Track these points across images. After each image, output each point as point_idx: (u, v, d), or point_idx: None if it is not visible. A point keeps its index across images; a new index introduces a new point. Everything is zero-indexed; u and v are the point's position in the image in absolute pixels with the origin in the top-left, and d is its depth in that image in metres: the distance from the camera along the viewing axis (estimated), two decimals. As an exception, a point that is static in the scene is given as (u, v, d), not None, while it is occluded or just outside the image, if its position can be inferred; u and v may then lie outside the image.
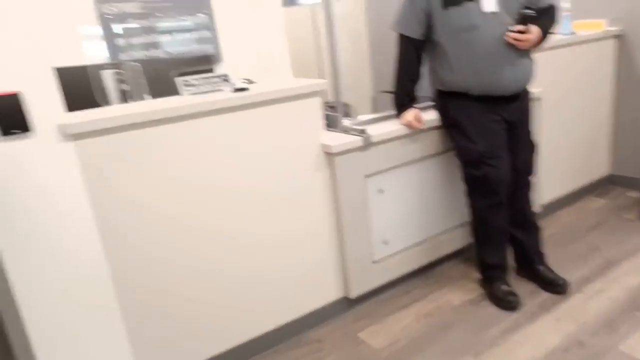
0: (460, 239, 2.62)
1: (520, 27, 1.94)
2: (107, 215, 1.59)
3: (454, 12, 1.99)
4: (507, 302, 2.19)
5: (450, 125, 2.24)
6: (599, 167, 3.37)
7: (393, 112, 2.33)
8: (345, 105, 2.38)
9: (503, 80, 2.03)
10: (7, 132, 1.33)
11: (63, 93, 1.47)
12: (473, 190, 2.22)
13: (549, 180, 2.97)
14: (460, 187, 2.34)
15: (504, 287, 2.24)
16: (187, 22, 3.79)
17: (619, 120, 3.31)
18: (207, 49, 3.92)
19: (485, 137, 2.10)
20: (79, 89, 1.84)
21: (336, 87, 2.21)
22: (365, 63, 5.08)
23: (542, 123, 2.79)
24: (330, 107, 2.22)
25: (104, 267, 1.60)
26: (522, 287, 2.32)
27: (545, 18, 2.05)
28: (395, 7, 2.35)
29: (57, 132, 1.43)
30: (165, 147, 1.66)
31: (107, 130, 1.52)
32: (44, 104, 1.40)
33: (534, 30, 1.98)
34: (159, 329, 1.78)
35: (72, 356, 1.58)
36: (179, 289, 1.80)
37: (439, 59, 2.12)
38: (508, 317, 2.14)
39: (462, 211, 2.53)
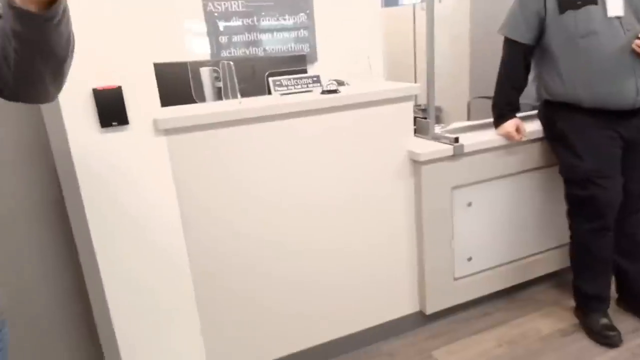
0: (554, 262, 2.41)
1: None
2: (192, 211, 1.64)
3: (572, 16, 1.80)
4: (605, 337, 1.97)
5: (555, 139, 2.04)
6: None
7: (488, 120, 2.19)
8: (437, 109, 2.28)
9: (623, 93, 1.80)
10: (107, 124, 1.42)
11: (162, 87, 1.54)
12: (576, 211, 2.01)
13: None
14: (560, 206, 2.14)
15: (603, 320, 2.02)
16: (287, 21, 3.88)
17: None
18: (304, 48, 3.98)
19: (596, 154, 1.89)
20: (178, 84, 1.93)
21: (430, 91, 2.11)
22: (464, 66, 4.85)
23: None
24: (420, 109, 2.13)
25: (185, 261, 1.66)
26: (623, 322, 2.08)
27: None
28: (502, 10, 2.19)
29: (151, 127, 1.50)
30: (252, 146, 1.68)
31: (197, 127, 1.58)
32: (143, 98, 1.47)
33: None
34: (233, 327, 1.82)
35: (149, 345, 1.66)
36: (255, 289, 1.83)
37: (548, 67, 1.94)
38: (604, 354, 1.93)
39: (559, 232, 2.31)
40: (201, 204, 1.66)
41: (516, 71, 2.00)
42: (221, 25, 3.62)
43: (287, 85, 1.80)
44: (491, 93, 2.18)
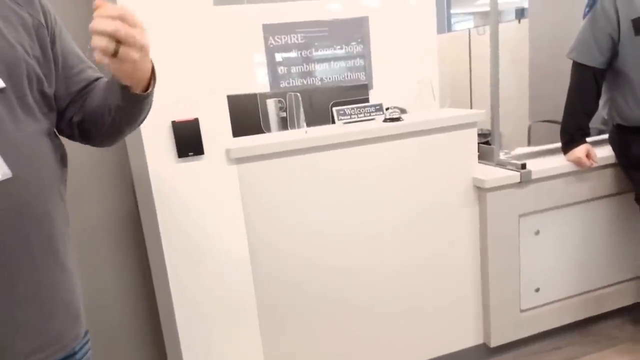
0: (629, 295, 2.27)
1: None
2: (258, 237, 1.69)
3: None
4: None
5: (630, 165, 1.95)
6: None
7: (554, 145, 2.12)
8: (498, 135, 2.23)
9: None
10: (184, 154, 1.51)
11: (233, 118, 1.62)
12: (654, 242, 1.90)
13: None
14: (635, 236, 2.03)
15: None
16: (343, 50, 3.97)
17: None
18: (360, 76, 4.04)
19: None
20: (248, 115, 2.02)
21: (495, 117, 2.09)
22: (524, 91, 4.76)
23: None
24: (480, 135, 2.09)
25: (251, 291, 1.70)
26: None
27: None
28: (561, 34, 2.15)
29: (224, 156, 1.57)
30: (318, 174, 1.72)
31: (264, 156, 1.64)
32: (217, 129, 1.55)
33: None
34: (290, 345, 1.83)
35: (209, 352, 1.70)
36: (319, 318, 1.84)
37: (621, 90, 1.88)
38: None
39: (634, 264, 2.18)
40: (268, 230, 1.71)
41: (587, 96, 1.94)
42: (279, 57, 3.77)
43: (350, 114, 1.84)
44: (552, 117, 2.12)
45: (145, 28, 0.77)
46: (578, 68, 1.93)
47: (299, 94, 1.65)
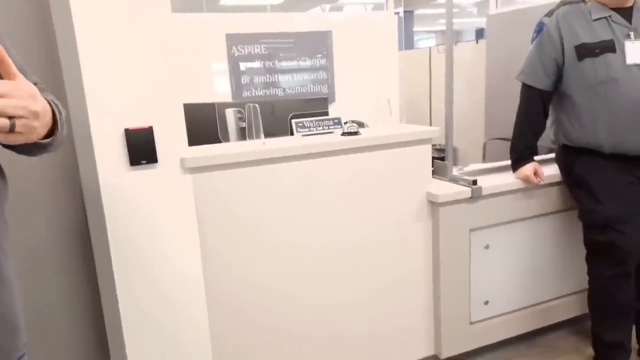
0: (574, 307, 2.37)
1: None
2: (212, 248, 1.67)
3: (591, 64, 1.84)
4: (626, 389, 1.91)
5: (574, 184, 2.05)
6: None
7: (505, 162, 2.20)
8: (454, 150, 2.30)
9: None
10: (136, 163, 1.48)
11: (191, 127, 1.60)
12: (596, 257, 2.00)
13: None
14: (579, 251, 2.12)
15: (624, 371, 1.96)
16: (306, 62, 4.00)
17: None
18: (322, 89, 4.08)
19: (616, 199, 1.89)
20: (205, 124, 2.00)
21: (448, 133, 2.15)
22: (480, 109, 4.93)
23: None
24: (436, 149, 2.15)
25: (202, 304, 1.68)
26: (648, 375, 2.01)
27: None
28: (516, 55, 2.25)
29: (178, 165, 1.55)
30: (274, 185, 1.72)
31: (221, 166, 1.63)
32: (172, 138, 1.53)
33: None
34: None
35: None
36: (270, 330, 1.83)
37: (566, 112, 1.97)
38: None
39: (578, 277, 2.28)
40: (221, 242, 1.69)
41: (534, 116, 2.03)
42: (243, 66, 3.75)
43: (309, 127, 1.85)
44: (506, 135, 2.21)
45: (33, 93, 0.78)
46: (526, 89, 2.02)
47: (257, 105, 1.65)
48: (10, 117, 0.74)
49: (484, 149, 5.01)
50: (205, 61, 3.55)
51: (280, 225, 1.77)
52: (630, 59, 1.80)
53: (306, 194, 1.78)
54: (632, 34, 1.82)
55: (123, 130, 1.46)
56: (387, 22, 4.32)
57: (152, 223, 1.56)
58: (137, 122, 1.48)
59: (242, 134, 1.99)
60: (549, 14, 1.95)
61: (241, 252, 1.73)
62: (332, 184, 1.82)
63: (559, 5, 1.95)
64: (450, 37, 2.13)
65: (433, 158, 2.11)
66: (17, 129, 0.75)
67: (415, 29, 13.04)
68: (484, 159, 5.03)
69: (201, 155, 1.58)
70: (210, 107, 2.02)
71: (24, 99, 0.76)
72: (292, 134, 1.89)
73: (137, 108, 1.48)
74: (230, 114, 1.98)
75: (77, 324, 1.69)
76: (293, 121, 1.83)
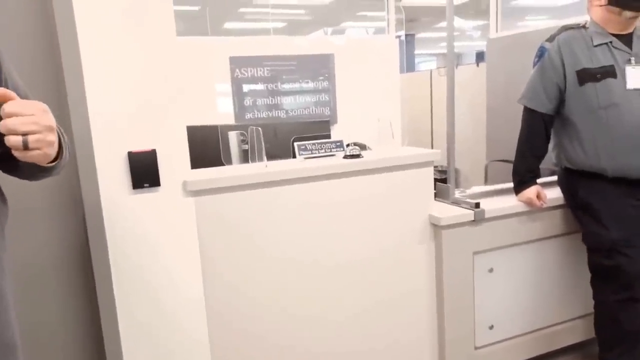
0: (581, 332, 2.33)
1: None
2: (213, 271, 1.66)
3: (592, 88, 1.86)
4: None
5: (578, 207, 2.04)
6: None
7: (507, 185, 2.20)
8: (456, 172, 2.30)
9: None
10: (139, 186, 1.48)
11: (194, 150, 1.61)
12: (601, 281, 1.97)
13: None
14: (584, 275, 2.10)
15: (633, 399, 1.91)
16: (309, 85, 4.04)
17: None
18: (325, 111, 4.11)
19: (621, 223, 1.88)
20: (208, 147, 2.01)
21: (450, 155, 2.16)
22: (481, 131, 4.95)
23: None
24: (439, 171, 2.14)
25: (204, 327, 1.66)
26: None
27: None
28: (516, 78, 2.27)
29: (181, 188, 1.56)
30: (276, 208, 1.72)
31: (223, 189, 1.63)
32: (175, 161, 1.54)
33: None
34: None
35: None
36: (272, 349, 1.80)
37: (568, 136, 1.98)
38: None
39: (584, 301, 2.25)
40: (223, 264, 1.68)
41: (536, 139, 2.04)
42: (246, 88, 3.79)
43: (311, 150, 1.86)
44: (507, 157, 2.21)
45: (45, 108, 0.79)
46: (528, 113, 2.03)
47: (260, 129, 1.66)
48: (23, 134, 0.75)
49: (486, 170, 5.01)
50: (209, 84, 3.59)
51: (282, 247, 1.76)
52: (631, 84, 1.81)
53: (308, 216, 1.78)
54: (632, 59, 1.84)
55: (126, 153, 1.46)
56: (388, 46, 4.37)
57: (154, 246, 1.55)
58: (141, 145, 1.48)
59: (245, 157, 2.00)
60: (551, 38, 1.97)
61: (243, 274, 1.72)
62: (334, 207, 1.81)
63: (560, 30, 1.97)
64: (452, 60, 2.15)
65: (435, 180, 2.10)
66: (30, 145, 0.76)
67: (416, 51, 13.20)
68: (486, 181, 5.02)
69: (203, 178, 1.59)
70: (213, 129, 2.03)
71: (35, 115, 0.77)
72: (294, 156, 1.90)
73: (140, 131, 1.48)
74: (233, 137, 1.99)
75: (76, 344, 1.67)
76: (295, 144, 1.84)
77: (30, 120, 0.76)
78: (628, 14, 1.83)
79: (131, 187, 1.48)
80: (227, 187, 1.63)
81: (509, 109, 2.30)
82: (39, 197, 1.53)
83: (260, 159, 1.78)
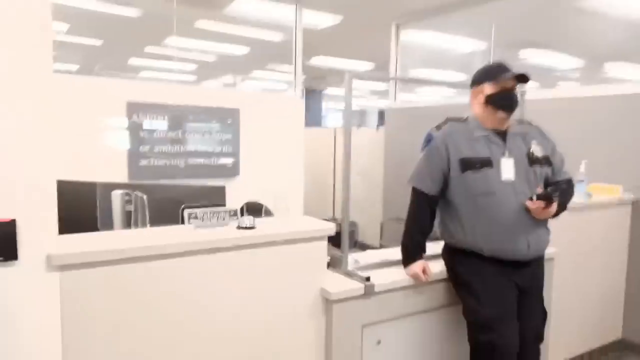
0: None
1: (541, 204, 1.94)
2: (77, 356, 1.47)
3: (472, 176, 2.01)
4: None
5: (458, 284, 2.15)
6: (611, 331, 3.21)
7: (398, 255, 2.26)
8: (353, 225, 2.33)
9: (517, 247, 1.99)
10: (-8, 259, 1.28)
11: (65, 208, 1.44)
12: (477, 355, 2.06)
13: (559, 342, 2.78)
14: (467, 345, 2.19)
15: None
16: (212, 136, 3.94)
17: (633, 285, 3.19)
18: (227, 161, 4.02)
19: (496, 301, 2.00)
20: (84, 206, 1.82)
21: (345, 223, 2.18)
22: (378, 190, 5.17)
23: (555, 283, 2.68)
24: (337, 223, 2.12)
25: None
26: None
27: (564, 193, 2.06)
28: (409, 146, 2.40)
29: (44, 262, 1.37)
30: (156, 284, 1.58)
31: (95, 263, 1.46)
32: (38, 230, 1.36)
33: (554, 206, 2.00)
34: None
35: None
36: None
37: (451, 216, 2.11)
38: None
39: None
40: (90, 349, 1.49)
41: (423, 218, 2.15)
42: (143, 134, 3.59)
43: (202, 218, 1.77)
44: (401, 216, 2.28)
45: None
46: (415, 193, 2.14)
47: (144, 196, 1.55)
48: None
49: (382, 227, 5.21)
50: (100, 128, 3.35)
51: (165, 323, 1.61)
52: (504, 175, 2.00)
53: (195, 290, 1.66)
54: (506, 152, 2.04)
55: (-21, 221, 1.27)
56: (294, 102, 4.46)
57: (7, 328, 1.33)
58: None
59: (128, 219, 1.84)
60: (437, 127, 2.13)
61: (111, 356, 1.53)
62: (224, 279, 1.72)
63: (445, 121, 2.14)
64: (349, 126, 2.22)
65: (330, 237, 2.07)
66: None
67: (325, 105, 13.68)
68: (381, 237, 5.22)
69: (72, 251, 1.41)
70: (92, 186, 1.85)
71: None
72: (183, 222, 1.79)
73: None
74: (116, 197, 1.83)
75: None
76: (186, 211, 1.74)
77: None
78: (501, 113, 2.05)
79: (-19, 261, 1.28)
80: (102, 260, 1.47)
81: (402, 173, 2.41)
82: None
83: (144, 225, 1.65)
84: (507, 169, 2.00)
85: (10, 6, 1.29)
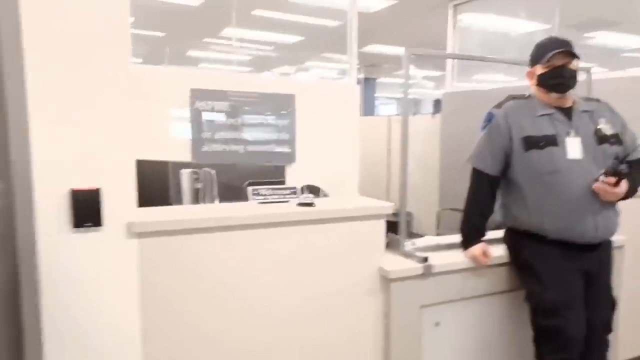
0: (523, 388, 2.35)
1: (611, 180, 1.84)
2: (154, 318, 1.58)
3: (536, 155, 1.94)
4: None
5: (521, 267, 2.10)
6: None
7: (456, 238, 2.24)
8: (409, 215, 2.32)
9: (584, 229, 1.91)
10: (79, 225, 1.40)
11: (142, 184, 1.55)
12: (541, 340, 2.02)
13: (628, 338, 2.65)
14: (529, 332, 2.14)
15: None
16: (269, 122, 4.03)
17: None
18: (284, 149, 4.10)
19: (561, 286, 1.94)
20: (157, 183, 1.94)
21: (401, 207, 2.18)
22: (434, 179, 5.09)
23: (624, 273, 2.55)
24: (393, 214, 2.13)
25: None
26: None
27: (636, 172, 1.96)
28: (469, 131, 2.35)
29: (125, 229, 1.49)
30: (225, 253, 1.67)
31: (170, 232, 1.57)
32: (120, 200, 1.47)
33: (623, 185, 1.88)
34: None
35: None
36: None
37: (513, 197, 2.05)
38: None
39: (528, 358, 2.29)
40: (164, 310, 1.60)
41: (483, 199, 2.10)
42: (205, 122, 3.73)
43: (265, 195, 1.84)
44: (458, 206, 2.26)
45: None
46: (475, 174, 2.10)
47: (213, 171, 1.63)
48: None
49: (438, 218, 5.13)
50: (165, 115, 3.51)
51: (229, 294, 1.70)
52: (571, 154, 1.92)
53: (257, 263, 1.74)
54: (572, 131, 1.95)
55: (69, 190, 1.39)
56: (349, 90, 4.46)
57: (91, 288, 1.46)
58: (85, 181, 1.41)
59: (196, 196, 1.95)
60: (498, 105, 2.07)
61: (185, 320, 1.64)
62: (285, 254, 1.78)
63: (506, 99, 2.08)
64: (406, 113, 2.22)
65: (388, 222, 2.10)
66: None
67: (378, 94, 13.60)
68: (438, 227, 5.13)
69: (150, 220, 1.53)
70: (164, 165, 1.97)
71: None
72: (247, 199, 1.87)
73: (86, 167, 1.42)
74: (185, 175, 1.93)
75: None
76: (249, 188, 1.81)
77: None
78: (554, 94, 1.97)
79: (72, 226, 1.40)
80: (175, 230, 1.58)
81: (460, 160, 2.37)
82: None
83: (211, 201, 1.74)
84: (574, 148, 1.92)
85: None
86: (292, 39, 7.16)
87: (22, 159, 1.37)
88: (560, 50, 1.91)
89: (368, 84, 11.56)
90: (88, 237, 1.43)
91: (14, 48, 1.32)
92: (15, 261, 1.43)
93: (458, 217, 2.24)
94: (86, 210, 1.40)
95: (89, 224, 1.41)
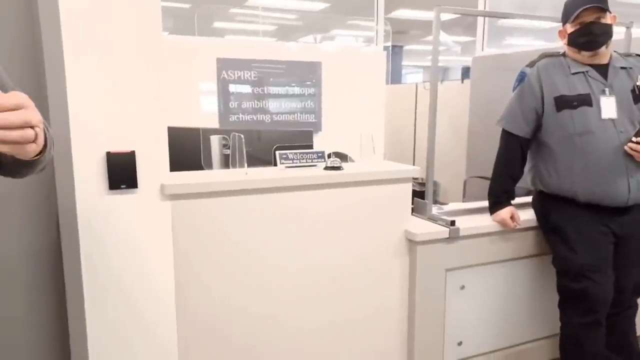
0: (546, 352, 2.38)
1: None
2: (186, 278, 1.66)
3: (568, 115, 1.90)
4: None
5: (549, 230, 2.09)
6: None
7: (483, 203, 2.23)
8: (435, 184, 2.31)
9: (617, 191, 1.87)
10: (115, 187, 1.47)
11: (173, 151, 1.60)
12: (568, 304, 2.02)
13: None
14: (552, 296, 2.14)
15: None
16: (295, 91, 4.04)
17: None
18: (309, 118, 4.12)
19: (590, 248, 1.92)
20: (189, 149, 1.99)
21: (428, 173, 2.18)
22: (462, 146, 5.02)
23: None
24: (419, 183, 2.15)
25: (173, 332, 1.65)
26: None
27: None
28: (499, 97, 2.31)
29: (158, 191, 1.55)
30: (253, 216, 1.72)
31: (201, 194, 1.63)
32: (153, 163, 1.53)
33: None
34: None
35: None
36: (240, 353, 1.80)
37: (543, 160, 2.02)
38: None
39: (552, 322, 2.30)
40: (197, 269, 1.67)
41: (513, 161, 2.08)
42: (232, 90, 3.77)
43: (292, 159, 1.86)
44: (486, 174, 2.24)
45: (25, 104, 0.73)
46: (505, 135, 2.07)
47: (242, 136, 1.66)
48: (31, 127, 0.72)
49: (465, 186, 5.08)
50: (194, 84, 3.57)
51: (257, 254, 1.76)
52: (605, 114, 1.87)
53: (285, 225, 1.78)
54: (607, 90, 1.89)
55: (105, 153, 1.45)
56: (376, 57, 4.41)
57: (127, 247, 1.54)
58: (120, 145, 1.47)
59: (226, 162, 1.99)
60: (531, 64, 2.02)
61: (217, 279, 1.72)
62: (312, 217, 1.82)
63: (540, 57, 2.02)
64: (435, 76, 2.18)
65: (414, 192, 2.12)
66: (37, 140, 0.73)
67: (404, 63, 13.33)
68: (464, 196, 5.09)
69: (182, 182, 1.58)
70: (195, 132, 2.02)
71: (27, 108, 0.72)
72: (275, 164, 1.90)
73: (120, 131, 1.47)
74: (214, 141, 1.98)
75: (41, 343, 1.63)
76: (277, 152, 1.84)
77: (39, 117, 0.74)
78: (585, 53, 1.91)
79: (108, 188, 1.47)
80: (206, 192, 1.63)
81: (489, 127, 2.33)
82: (10, 194, 1.50)
83: (241, 166, 1.78)
84: (608, 107, 1.86)
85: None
86: (318, 5, 7.05)
87: (60, 125, 1.43)
88: (589, 6, 1.84)
89: (395, 52, 11.34)
90: (124, 198, 1.50)
91: (53, 24, 1.37)
92: (57, 220, 1.52)
93: (485, 186, 2.22)
94: (122, 172, 1.46)
95: (124, 186, 1.47)
